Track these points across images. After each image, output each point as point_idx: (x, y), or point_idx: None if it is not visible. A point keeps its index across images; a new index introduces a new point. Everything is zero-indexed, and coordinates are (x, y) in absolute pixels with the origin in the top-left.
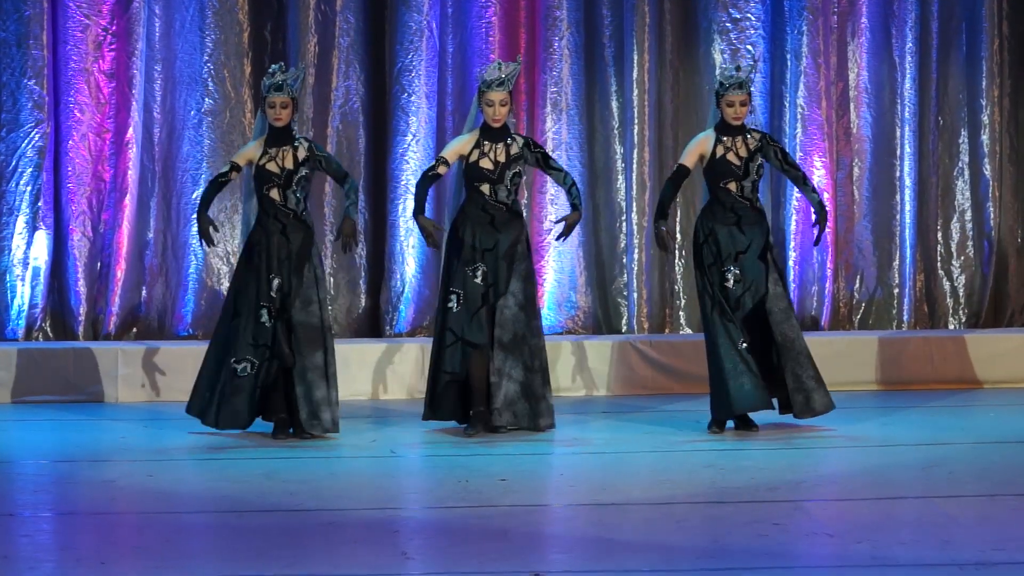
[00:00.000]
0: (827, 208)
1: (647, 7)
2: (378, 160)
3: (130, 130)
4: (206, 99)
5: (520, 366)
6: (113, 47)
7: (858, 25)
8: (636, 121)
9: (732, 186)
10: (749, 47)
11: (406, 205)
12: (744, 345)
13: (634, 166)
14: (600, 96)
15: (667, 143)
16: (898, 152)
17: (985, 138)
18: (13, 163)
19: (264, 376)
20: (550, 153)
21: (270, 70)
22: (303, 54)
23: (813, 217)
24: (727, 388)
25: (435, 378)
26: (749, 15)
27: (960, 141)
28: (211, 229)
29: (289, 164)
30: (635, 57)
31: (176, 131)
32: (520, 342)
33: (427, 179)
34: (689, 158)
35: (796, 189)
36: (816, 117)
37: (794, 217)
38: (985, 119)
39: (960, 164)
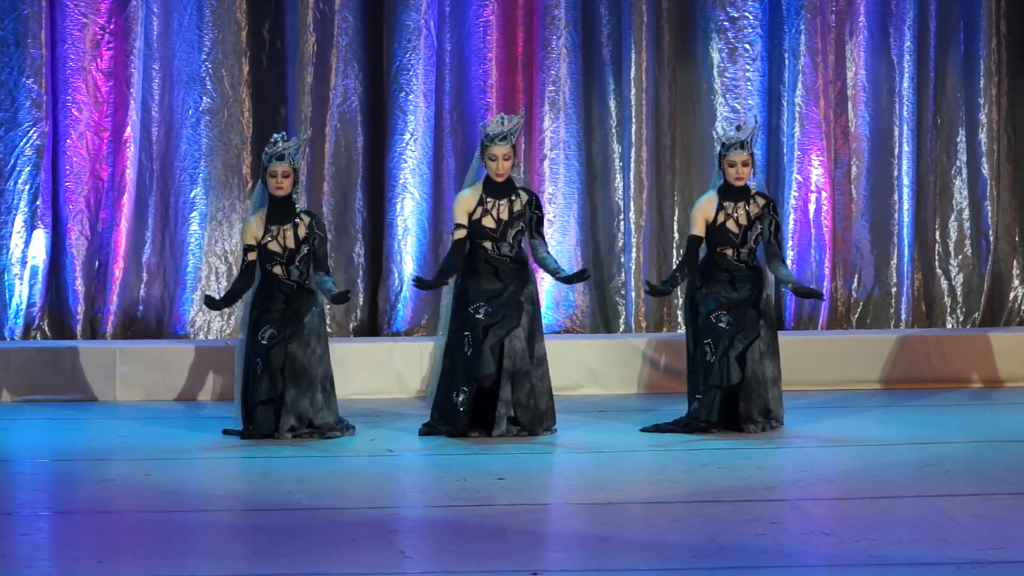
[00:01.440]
0: (806, 288)
1: (645, 6)
2: (376, 159)
3: (128, 129)
4: (204, 98)
5: (515, 402)
6: (111, 46)
7: (856, 24)
8: (634, 120)
9: (728, 252)
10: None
11: (404, 204)
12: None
13: (632, 165)
14: (598, 95)
15: (665, 142)
16: (896, 151)
17: (983, 137)
18: (11, 162)
19: (264, 425)
20: (543, 216)
21: (272, 139)
22: (301, 53)
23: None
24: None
25: (451, 414)
26: (747, 14)
27: (958, 140)
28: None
29: (291, 244)
30: (633, 56)
31: (174, 130)
32: (523, 378)
33: (456, 249)
34: (697, 227)
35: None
36: (814, 116)
37: (792, 216)
38: (983, 118)
39: (958, 163)
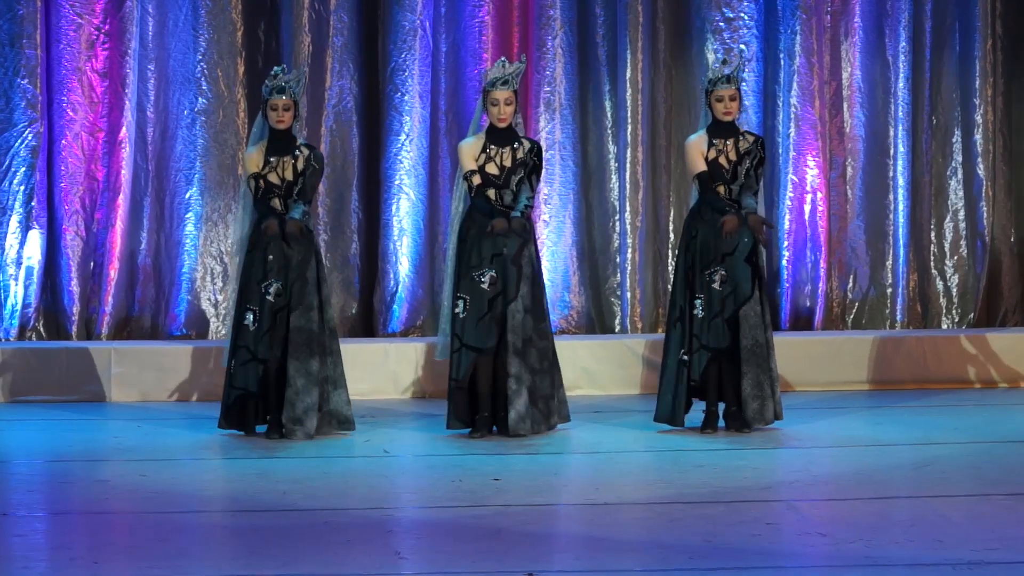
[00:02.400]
0: (757, 218)
1: (640, 6)
2: (372, 160)
3: (123, 129)
4: (199, 98)
5: (528, 371)
6: (106, 46)
7: (851, 24)
8: (629, 120)
9: (721, 189)
10: (743, 46)
11: (399, 204)
12: (684, 357)
13: (627, 165)
14: (593, 95)
15: (660, 143)
16: (891, 152)
17: (978, 138)
18: (6, 162)
19: (244, 378)
20: (542, 167)
21: (272, 72)
22: (297, 54)
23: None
24: (659, 394)
25: (448, 385)
26: (742, 14)
27: (953, 141)
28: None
29: (289, 176)
30: (628, 56)
31: (169, 130)
32: (528, 345)
33: (479, 196)
34: (699, 164)
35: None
36: (809, 116)
37: (787, 217)
38: (978, 119)
39: (953, 164)
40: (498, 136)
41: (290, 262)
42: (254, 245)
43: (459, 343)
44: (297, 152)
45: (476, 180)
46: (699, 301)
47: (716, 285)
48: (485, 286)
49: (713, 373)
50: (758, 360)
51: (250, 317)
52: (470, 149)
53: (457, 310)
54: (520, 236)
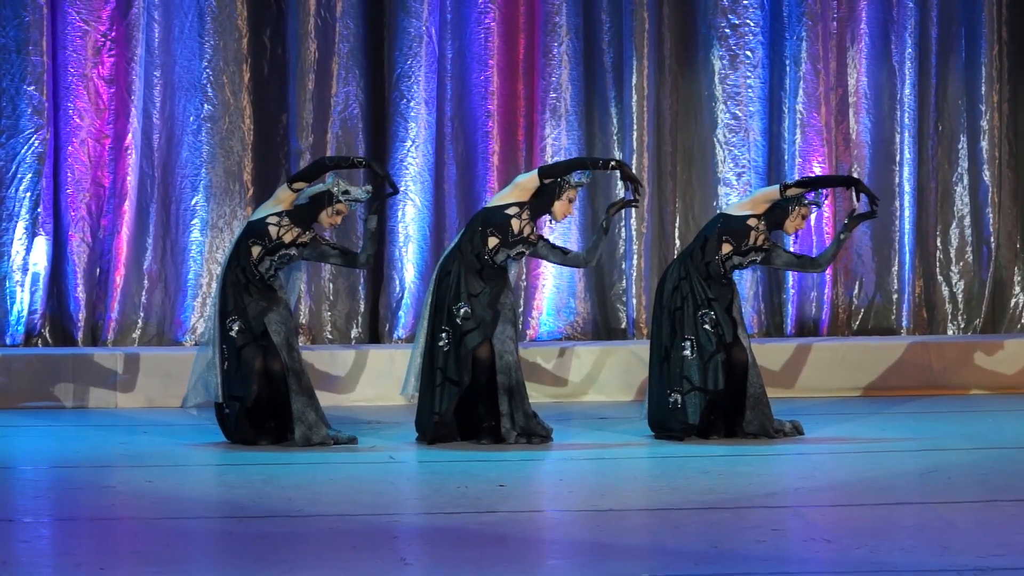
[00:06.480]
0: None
1: (646, 13)
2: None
3: (129, 136)
4: (205, 105)
5: (521, 412)
6: (112, 53)
7: (857, 31)
8: (635, 127)
9: (726, 247)
10: (748, 52)
11: (405, 211)
12: (674, 398)
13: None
14: (599, 102)
15: (666, 149)
16: (897, 158)
17: (984, 144)
18: (13, 169)
19: (249, 408)
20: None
21: (356, 192)
22: (303, 60)
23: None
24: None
25: (427, 414)
26: (748, 21)
27: (959, 147)
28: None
29: (287, 238)
30: (634, 63)
31: (175, 137)
32: (520, 387)
33: None
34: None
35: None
36: (815, 123)
37: None
38: (984, 125)
39: (959, 170)
40: None
41: (250, 304)
42: (223, 285)
43: (442, 377)
44: (310, 231)
45: None
46: (690, 343)
47: (708, 326)
48: (459, 320)
49: (710, 414)
50: (762, 404)
51: (218, 356)
52: None
53: (440, 343)
54: (504, 285)
